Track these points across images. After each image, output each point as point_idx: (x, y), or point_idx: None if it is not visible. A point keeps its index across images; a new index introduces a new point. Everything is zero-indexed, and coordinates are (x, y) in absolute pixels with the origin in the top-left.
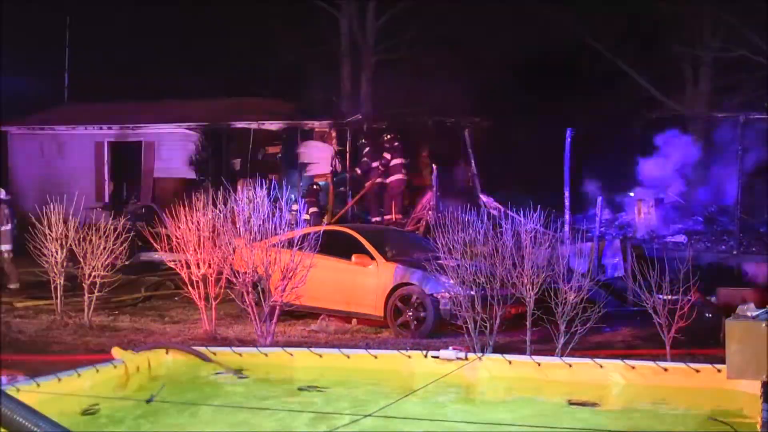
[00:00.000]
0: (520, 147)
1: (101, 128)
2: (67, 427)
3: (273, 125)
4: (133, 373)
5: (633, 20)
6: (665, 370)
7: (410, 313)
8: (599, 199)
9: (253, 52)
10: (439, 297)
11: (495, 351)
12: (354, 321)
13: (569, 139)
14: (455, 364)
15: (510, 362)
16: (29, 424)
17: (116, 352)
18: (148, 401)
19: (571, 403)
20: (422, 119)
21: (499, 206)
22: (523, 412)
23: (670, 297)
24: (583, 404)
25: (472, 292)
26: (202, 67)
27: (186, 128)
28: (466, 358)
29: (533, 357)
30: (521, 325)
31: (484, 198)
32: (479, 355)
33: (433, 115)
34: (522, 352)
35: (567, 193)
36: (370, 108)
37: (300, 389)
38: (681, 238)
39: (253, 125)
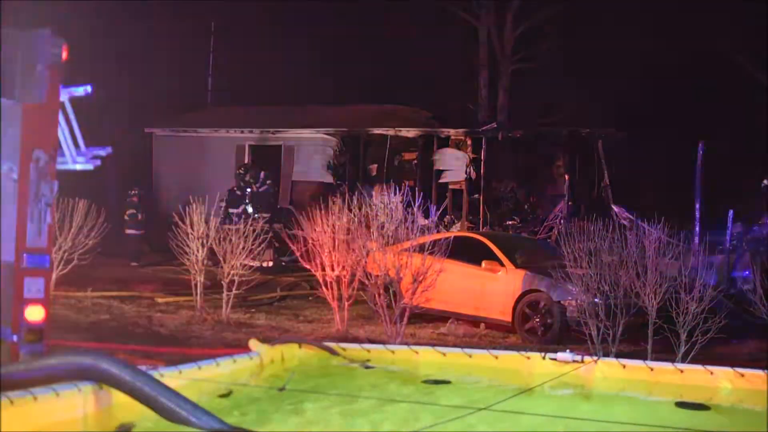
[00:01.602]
0: (654, 159)
1: (242, 132)
2: (205, 408)
3: (409, 132)
4: (267, 364)
5: None
6: None
7: (538, 320)
8: (730, 212)
9: (391, 60)
10: (566, 304)
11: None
12: (482, 325)
13: (701, 152)
14: (571, 365)
15: (624, 366)
16: (172, 404)
17: (253, 344)
18: (281, 389)
19: (679, 404)
20: (557, 129)
21: (631, 217)
22: (633, 411)
23: None
24: (691, 406)
25: (597, 300)
26: (341, 74)
27: (324, 133)
28: (582, 361)
29: (646, 362)
30: (644, 334)
31: (616, 209)
32: (594, 358)
33: (567, 125)
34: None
35: (698, 206)
36: (506, 117)
37: (423, 382)
38: None
39: (390, 132)
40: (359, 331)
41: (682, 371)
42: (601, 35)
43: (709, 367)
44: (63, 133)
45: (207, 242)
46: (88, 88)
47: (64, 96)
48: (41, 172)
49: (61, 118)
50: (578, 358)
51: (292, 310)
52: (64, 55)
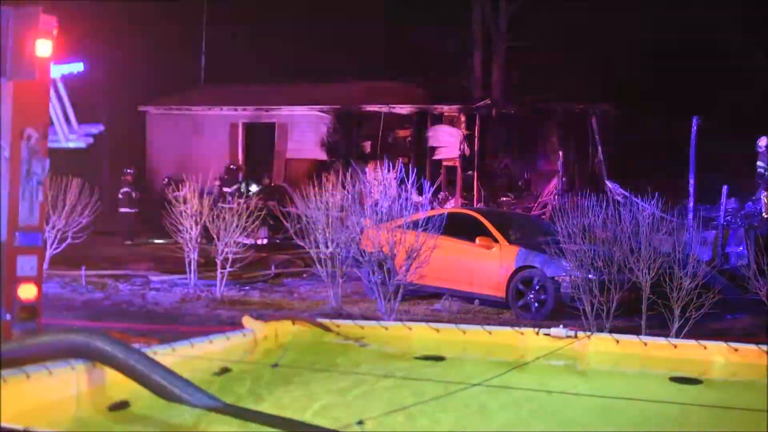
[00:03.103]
0: (648, 134)
1: (236, 109)
2: (198, 386)
3: (403, 109)
4: (260, 341)
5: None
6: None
7: (531, 296)
8: (724, 188)
9: (385, 37)
10: (560, 280)
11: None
12: (476, 302)
13: (695, 128)
14: (564, 341)
15: (617, 341)
16: (166, 382)
17: (246, 321)
18: (274, 366)
19: (673, 379)
20: (551, 105)
21: (625, 192)
22: (627, 386)
23: None
24: (685, 380)
25: (591, 276)
26: (334, 51)
27: (318, 111)
28: (576, 336)
29: (640, 337)
30: (638, 309)
31: (609, 184)
32: (588, 333)
33: (561, 102)
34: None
35: (692, 181)
36: (500, 93)
37: (417, 358)
38: None
39: (384, 109)
40: (353, 308)
41: (675, 346)
42: (596, 12)
43: (703, 342)
44: (55, 111)
45: (201, 220)
46: (81, 66)
47: (55, 73)
48: (33, 150)
49: (52, 96)
50: (572, 333)
51: (286, 287)
52: (56, 32)
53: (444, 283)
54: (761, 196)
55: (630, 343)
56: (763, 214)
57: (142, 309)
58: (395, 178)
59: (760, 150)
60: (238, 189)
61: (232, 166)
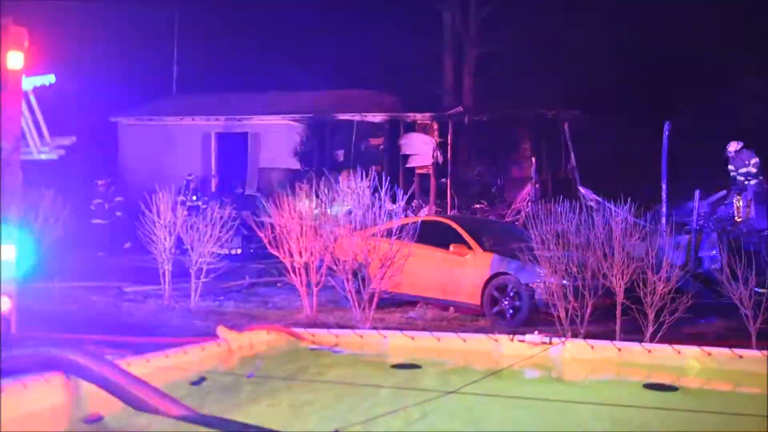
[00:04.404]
0: (620, 140)
1: (208, 119)
2: (173, 396)
3: (376, 117)
4: (235, 351)
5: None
6: (740, 357)
7: (506, 302)
8: (696, 192)
9: (356, 44)
10: (534, 286)
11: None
12: (451, 309)
13: (667, 133)
14: (539, 347)
15: (592, 347)
16: (140, 393)
17: (221, 331)
18: (249, 376)
19: (648, 386)
20: (523, 112)
21: (598, 198)
22: (602, 393)
23: (765, 290)
24: (660, 387)
25: (565, 282)
26: (306, 59)
27: (291, 120)
28: (551, 342)
29: (614, 342)
30: (613, 315)
31: (583, 190)
32: (563, 339)
33: (533, 108)
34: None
35: (665, 186)
36: (471, 100)
37: (392, 367)
38: None
39: (356, 117)
40: (328, 317)
41: (650, 351)
42: (566, 18)
43: (677, 347)
44: (27, 123)
45: (174, 230)
46: (52, 78)
47: (27, 86)
48: (5, 162)
49: (24, 108)
50: (546, 339)
51: (260, 297)
52: (27, 44)
53: (419, 290)
54: (732, 200)
55: (605, 348)
56: (735, 218)
57: (116, 321)
58: (368, 187)
59: (730, 154)
60: (191, 199)
61: (187, 177)
